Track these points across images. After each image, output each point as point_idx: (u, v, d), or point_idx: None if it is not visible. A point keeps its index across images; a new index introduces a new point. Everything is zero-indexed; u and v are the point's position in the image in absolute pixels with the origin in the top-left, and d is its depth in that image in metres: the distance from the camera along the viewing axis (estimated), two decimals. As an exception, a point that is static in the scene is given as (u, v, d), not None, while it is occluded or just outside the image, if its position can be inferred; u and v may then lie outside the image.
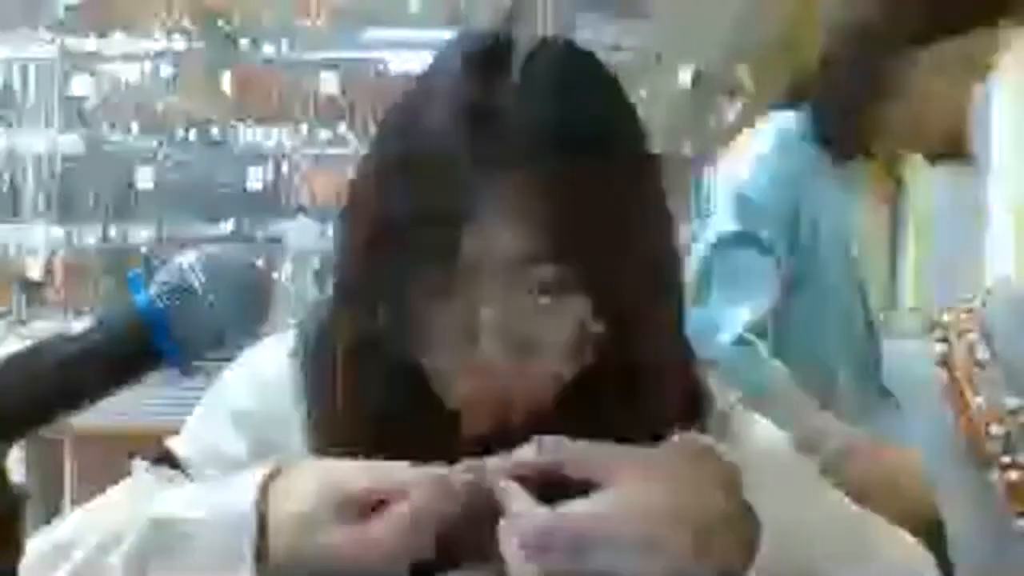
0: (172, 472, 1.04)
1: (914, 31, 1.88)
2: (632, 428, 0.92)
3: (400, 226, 0.89)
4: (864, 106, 1.94)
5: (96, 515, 1.00)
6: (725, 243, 1.93)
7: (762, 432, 1.08)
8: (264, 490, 0.91)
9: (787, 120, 2.01)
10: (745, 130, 2.11)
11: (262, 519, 0.90)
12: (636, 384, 0.95)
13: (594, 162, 0.89)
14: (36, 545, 0.96)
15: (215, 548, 0.90)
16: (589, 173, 0.89)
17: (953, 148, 2.01)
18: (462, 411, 0.94)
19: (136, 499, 0.98)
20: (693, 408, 1.02)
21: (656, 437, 0.92)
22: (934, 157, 2.05)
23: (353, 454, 0.94)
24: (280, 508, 0.90)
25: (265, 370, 1.06)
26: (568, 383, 0.94)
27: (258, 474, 0.93)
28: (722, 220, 1.95)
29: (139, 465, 1.06)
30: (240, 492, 0.92)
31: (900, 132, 1.98)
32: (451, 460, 0.90)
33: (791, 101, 2.03)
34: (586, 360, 0.93)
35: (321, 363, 1.01)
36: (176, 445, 1.06)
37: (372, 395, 0.96)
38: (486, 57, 0.92)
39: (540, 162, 0.87)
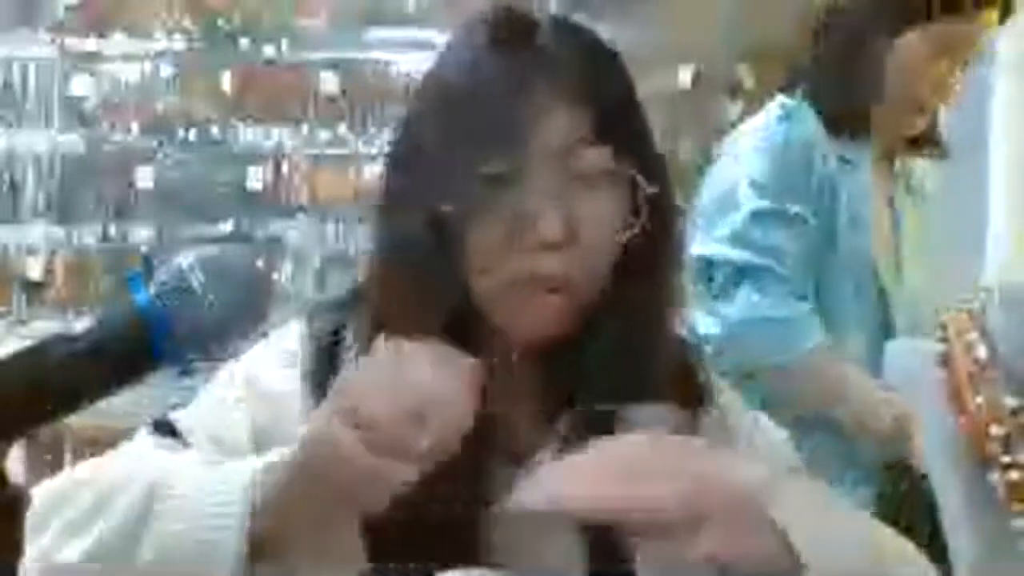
0: (171, 441, 1.06)
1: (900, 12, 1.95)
2: (626, 381, 0.99)
3: (468, 124, 1.01)
4: (857, 81, 1.98)
5: (92, 472, 1.02)
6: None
7: (763, 435, 1.09)
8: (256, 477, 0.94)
9: (784, 102, 2.04)
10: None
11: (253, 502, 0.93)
12: (635, 332, 1.03)
13: (617, 76, 1.08)
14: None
15: (205, 521, 0.92)
16: (616, 81, 1.08)
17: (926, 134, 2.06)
18: (507, 323, 1.02)
19: (133, 458, 1.00)
20: (690, 389, 1.04)
21: (650, 394, 0.97)
22: (910, 143, 2.09)
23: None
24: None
25: (276, 359, 1.08)
26: (587, 315, 1.02)
27: (257, 461, 0.96)
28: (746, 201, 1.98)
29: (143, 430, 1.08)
30: (236, 472, 0.95)
31: (889, 111, 2.01)
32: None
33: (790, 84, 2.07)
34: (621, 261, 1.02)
35: (336, 352, 1.06)
36: (179, 417, 1.08)
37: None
38: (509, 21, 1.06)
39: (577, 76, 1.03)
